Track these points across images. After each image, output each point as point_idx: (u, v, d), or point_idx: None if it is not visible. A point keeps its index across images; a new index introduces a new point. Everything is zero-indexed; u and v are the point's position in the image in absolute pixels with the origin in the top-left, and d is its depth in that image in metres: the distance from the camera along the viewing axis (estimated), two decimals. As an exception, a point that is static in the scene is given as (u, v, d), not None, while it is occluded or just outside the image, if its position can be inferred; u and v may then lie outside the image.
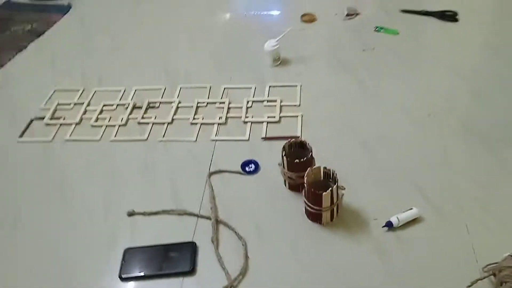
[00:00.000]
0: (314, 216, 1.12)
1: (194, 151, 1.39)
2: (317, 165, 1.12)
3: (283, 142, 1.27)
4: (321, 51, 1.77)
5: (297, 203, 1.18)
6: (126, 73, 1.76)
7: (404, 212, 1.11)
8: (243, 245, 1.09)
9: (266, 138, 1.41)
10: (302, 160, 1.14)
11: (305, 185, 1.07)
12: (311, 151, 1.16)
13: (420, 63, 1.68)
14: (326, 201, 1.06)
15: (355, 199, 1.17)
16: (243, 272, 1.03)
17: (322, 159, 1.18)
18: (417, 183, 1.21)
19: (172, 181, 1.30)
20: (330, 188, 1.05)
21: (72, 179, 1.34)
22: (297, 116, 1.47)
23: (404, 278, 1.00)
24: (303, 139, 1.20)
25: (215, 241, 1.11)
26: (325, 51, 1.77)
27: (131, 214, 1.20)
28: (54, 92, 1.71)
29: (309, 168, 1.10)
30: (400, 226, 1.10)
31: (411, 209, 1.11)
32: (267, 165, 1.31)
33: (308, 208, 1.10)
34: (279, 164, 1.23)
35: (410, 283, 0.99)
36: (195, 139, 1.43)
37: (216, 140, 1.42)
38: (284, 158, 1.16)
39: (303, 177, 1.15)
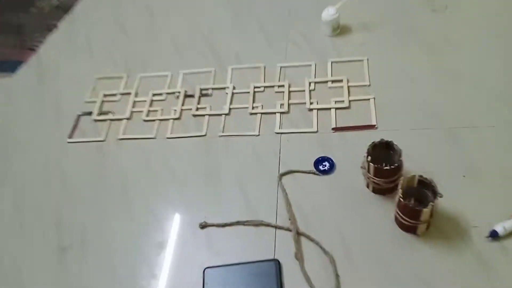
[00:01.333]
0: (408, 228, 1.01)
1: (259, 147, 1.28)
2: (404, 166, 1.00)
3: (357, 133, 1.15)
4: (384, 13, 1.57)
5: (384, 208, 1.08)
6: (170, 55, 1.62)
7: (510, 219, 0.99)
8: (330, 262, 1.01)
9: (336, 129, 1.27)
10: (391, 167, 1.01)
11: (400, 199, 0.96)
12: (400, 155, 1.03)
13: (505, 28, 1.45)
14: (425, 216, 0.95)
15: (450, 203, 1.05)
16: (336, 293, 0.96)
17: (404, 154, 1.05)
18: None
19: (240, 183, 1.21)
20: (431, 203, 0.93)
21: (132, 183, 1.27)
22: (369, 99, 1.32)
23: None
24: (389, 139, 1.06)
25: (300, 258, 1.03)
26: (389, 13, 1.56)
27: (203, 226, 1.13)
28: (96, 80, 1.59)
29: (402, 178, 0.98)
30: (507, 235, 0.98)
31: (518, 215, 0.99)
32: (343, 161, 1.20)
33: (402, 220, 1.00)
34: (362, 168, 1.11)
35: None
36: (257, 133, 1.31)
37: (281, 133, 1.30)
38: (369, 163, 1.03)
39: (391, 182, 1.04)
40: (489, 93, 1.26)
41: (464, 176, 1.11)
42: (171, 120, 1.40)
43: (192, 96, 1.46)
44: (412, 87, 1.32)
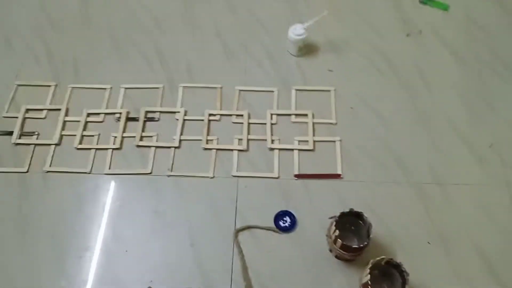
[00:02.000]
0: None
1: (214, 192, 1.15)
2: (368, 222, 0.94)
3: (321, 182, 1.07)
4: (355, 33, 1.43)
5: (348, 277, 1.02)
6: (109, 61, 1.38)
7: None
8: None
9: (299, 176, 1.17)
10: (360, 246, 0.93)
11: (367, 286, 0.89)
12: (369, 230, 0.95)
13: (477, 58, 1.38)
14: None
15: (414, 272, 0.99)
16: None
17: (367, 207, 1.02)
18: (480, 250, 1.05)
19: (192, 238, 1.08)
20: (401, 294, 0.87)
21: (63, 231, 1.09)
22: (335, 141, 1.22)
23: None
24: (359, 210, 0.98)
25: (257, 339, 0.95)
26: (360, 33, 1.43)
27: (149, 293, 1.00)
28: (16, 88, 1.33)
29: (371, 262, 0.91)
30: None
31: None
32: (305, 216, 1.11)
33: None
34: (326, 236, 1.02)
35: None
36: (212, 175, 1.17)
37: (239, 177, 1.17)
38: (337, 239, 0.95)
39: (357, 255, 0.97)
40: (462, 145, 1.21)
41: (429, 243, 1.07)
42: (110, 151, 1.21)
43: (135, 119, 1.26)
44: (382, 129, 1.24)
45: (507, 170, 1.16)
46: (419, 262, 1.03)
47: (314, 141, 1.22)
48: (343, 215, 0.98)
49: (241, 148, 1.20)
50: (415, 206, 1.12)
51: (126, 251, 1.06)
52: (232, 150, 1.21)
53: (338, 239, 0.94)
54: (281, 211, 1.11)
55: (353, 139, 1.22)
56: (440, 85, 1.32)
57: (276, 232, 1.08)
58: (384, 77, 1.34)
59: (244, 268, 1.03)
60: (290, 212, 1.10)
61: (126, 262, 1.05)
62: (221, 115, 1.27)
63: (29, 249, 1.07)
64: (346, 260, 1.03)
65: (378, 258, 0.91)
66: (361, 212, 0.97)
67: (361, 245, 0.93)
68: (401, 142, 1.21)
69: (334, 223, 0.96)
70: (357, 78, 1.33)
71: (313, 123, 1.25)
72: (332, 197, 1.12)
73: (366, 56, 1.38)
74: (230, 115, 1.27)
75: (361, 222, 0.98)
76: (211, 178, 1.17)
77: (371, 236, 0.94)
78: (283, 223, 1.09)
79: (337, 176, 1.16)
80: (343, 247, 0.95)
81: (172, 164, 1.19)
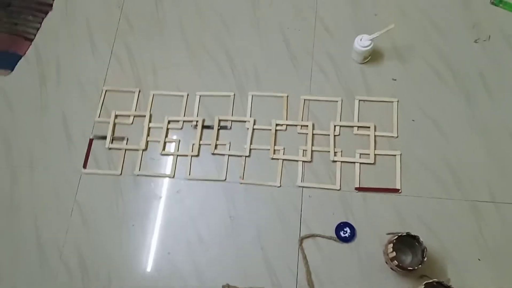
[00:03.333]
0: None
1: (280, 201, 1.30)
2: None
3: (380, 196, 1.19)
4: (420, 38, 1.45)
5: (403, 285, 1.15)
6: (182, 66, 1.50)
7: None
8: None
9: (360, 189, 1.29)
10: (415, 268, 1.06)
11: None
12: (425, 253, 1.07)
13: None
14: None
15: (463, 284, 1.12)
16: None
17: (423, 222, 1.14)
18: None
19: (261, 242, 1.26)
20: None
21: (148, 226, 1.30)
22: (395, 155, 1.31)
23: None
24: (416, 234, 1.09)
25: (318, 335, 1.13)
26: (426, 38, 1.45)
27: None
28: (105, 92, 1.51)
29: (424, 284, 1.04)
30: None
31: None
32: (364, 228, 1.24)
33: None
34: (384, 253, 1.15)
35: None
36: (279, 184, 1.32)
37: (303, 187, 1.31)
38: (393, 259, 1.08)
39: (411, 273, 1.10)
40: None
41: (479, 259, 1.17)
42: (190, 157, 1.38)
43: (210, 127, 1.41)
44: (441, 143, 1.31)
45: None
46: (468, 278, 1.14)
47: (375, 155, 1.31)
48: (400, 237, 1.10)
49: (306, 160, 1.33)
50: (468, 223, 1.21)
51: (206, 251, 1.26)
52: (297, 161, 1.33)
53: (394, 260, 1.07)
54: (342, 222, 1.24)
55: (412, 153, 1.30)
56: (505, 96, 1.34)
57: (337, 241, 1.23)
58: (447, 87, 1.37)
59: (308, 273, 1.20)
60: (350, 224, 1.24)
61: (206, 261, 1.25)
62: (287, 125, 1.39)
63: (124, 239, 1.29)
64: (402, 273, 1.16)
65: (430, 281, 1.04)
66: (417, 236, 1.09)
67: (415, 268, 1.06)
68: (460, 156, 1.28)
69: (391, 244, 1.09)
70: (420, 88, 1.38)
71: (375, 136, 1.34)
72: (390, 211, 1.24)
73: (431, 63, 1.41)
74: (296, 125, 1.38)
75: (416, 243, 1.10)
76: (278, 187, 1.31)
77: (425, 259, 1.06)
78: (344, 233, 1.23)
79: (395, 190, 1.26)
80: (398, 266, 1.08)
81: (243, 172, 1.34)
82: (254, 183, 1.32)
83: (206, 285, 1.22)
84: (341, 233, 1.23)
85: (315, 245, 1.23)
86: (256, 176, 1.33)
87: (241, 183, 1.33)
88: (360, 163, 1.31)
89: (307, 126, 1.37)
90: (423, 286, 1.03)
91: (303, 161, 1.33)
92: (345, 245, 1.22)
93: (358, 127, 1.36)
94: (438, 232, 1.20)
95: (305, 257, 1.21)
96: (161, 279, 1.24)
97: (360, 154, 1.32)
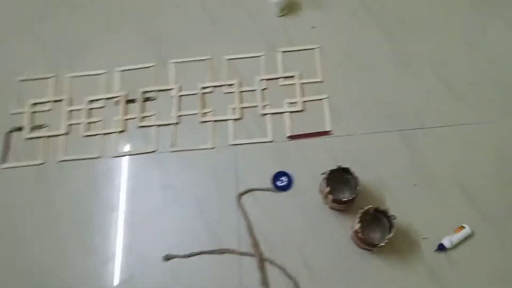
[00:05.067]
0: (365, 249, 1.13)
1: (214, 162, 1.30)
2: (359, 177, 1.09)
3: (312, 141, 1.21)
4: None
5: (341, 225, 1.18)
6: (100, 42, 1.48)
7: (456, 233, 1.13)
8: (296, 286, 1.13)
9: (292, 137, 1.31)
10: (349, 199, 1.09)
11: (358, 233, 1.06)
12: (357, 183, 1.10)
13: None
14: (381, 245, 1.07)
15: (401, 214, 1.15)
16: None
17: (356, 158, 1.17)
18: (467, 189, 1.19)
19: (199, 206, 1.25)
20: (388, 237, 1.04)
21: (81, 214, 1.27)
22: (322, 99, 1.34)
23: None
24: (347, 166, 1.12)
25: (266, 286, 1.14)
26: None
27: (168, 258, 1.19)
28: (19, 83, 1.47)
29: (360, 211, 1.07)
30: (453, 246, 1.13)
31: (463, 227, 1.13)
32: (300, 174, 1.26)
33: (360, 244, 1.11)
34: (320, 191, 1.18)
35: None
36: (211, 146, 1.32)
37: (236, 145, 1.32)
38: (328, 194, 1.10)
39: (348, 206, 1.13)
40: (442, 86, 1.32)
41: (415, 185, 1.22)
42: (115, 134, 1.36)
43: (133, 101, 1.40)
44: (367, 82, 1.35)
45: (489, 106, 1.27)
46: (406, 204, 1.18)
47: (303, 102, 1.34)
48: (332, 172, 1.12)
49: (235, 117, 1.34)
50: (401, 152, 1.25)
51: (144, 225, 1.24)
52: (227, 120, 1.34)
53: (329, 194, 1.10)
54: (278, 172, 1.26)
55: (339, 95, 1.34)
56: (422, 29, 1.40)
57: (275, 191, 1.24)
58: (367, 27, 1.42)
59: (249, 227, 1.20)
60: (286, 172, 1.26)
61: (144, 235, 1.23)
62: (214, 86, 1.39)
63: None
64: (339, 210, 1.19)
65: (366, 208, 1.07)
66: (348, 168, 1.11)
67: (350, 198, 1.09)
68: (386, 91, 1.33)
69: (325, 180, 1.11)
70: (340, 32, 1.42)
71: (301, 84, 1.36)
72: (324, 153, 1.26)
73: (348, 7, 1.45)
74: (222, 85, 1.39)
75: (349, 176, 1.13)
76: (211, 149, 1.32)
77: (358, 188, 1.09)
78: (281, 182, 1.25)
79: (327, 133, 1.29)
80: (334, 201, 1.11)
81: (174, 140, 1.34)
82: (187, 149, 1.32)
83: (147, 259, 1.20)
84: (278, 183, 1.25)
85: (254, 199, 1.24)
86: (188, 142, 1.33)
87: (173, 151, 1.32)
88: (290, 112, 1.33)
89: (233, 84, 1.38)
90: (360, 214, 1.06)
91: (233, 119, 1.34)
92: (283, 194, 1.24)
93: (284, 77, 1.38)
94: (373, 165, 1.23)
95: (245, 213, 1.22)
96: (99, 262, 1.21)
97: (289, 103, 1.34)
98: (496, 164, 1.21)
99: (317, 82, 1.36)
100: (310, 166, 1.25)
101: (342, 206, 1.13)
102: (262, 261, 1.16)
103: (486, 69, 1.32)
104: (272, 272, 1.15)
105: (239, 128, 1.33)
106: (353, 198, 1.09)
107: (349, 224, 1.16)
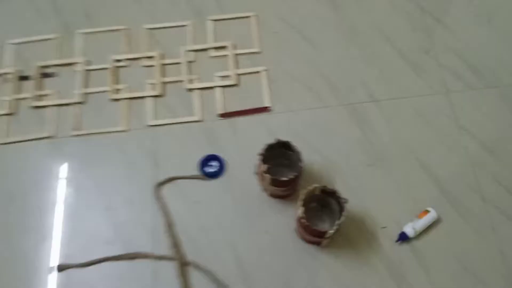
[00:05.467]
0: (311, 242, 0.92)
1: (129, 147, 1.06)
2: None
3: (249, 119, 1.00)
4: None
5: (284, 216, 0.97)
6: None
7: (419, 218, 0.94)
8: (226, 295, 0.90)
9: (224, 115, 1.09)
10: (290, 178, 0.88)
11: (301, 219, 0.84)
12: (300, 158, 0.90)
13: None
14: (329, 235, 0.86)
15: (355, 200, 0.97)
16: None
17: (300, 137, 0.96)
18: (428, 168, 1.02)
19: (105, 202, 1.00)
20: (337, 223, 0.83)
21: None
22: (260, 71, 1.15)
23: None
24: (287, 140, 0.92)
25: (189, 296, 0.90)
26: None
27: (62, 268, 0.93)
28: None
29: (303, 193, 0.86)
30: (417, 235, 0.94)
31: (428, 211, 0.95)
32: (235, 158, 1.04)
33: (305, 236, 0.90)
34: (256, 173, 0.96)
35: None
36: (125, 128, 1.08)
37: (157, 125, 1.09)
38: (265, 174, 0.89)
39: (290, 189, 0.92)
40: (396, 56, 1.16)
41: (369, 165, 1.03)
42: (5, 117, 1.10)
43: (27, 78, 1.14)
44: (310, 53, 1.17)
45: (444, 75, 1.12)
46: (360, 188, 0.99)
47: (238, 75, 1.14)
48: (270, 147, 0.91)
49: (156, 94, 1.11)
50: (350, 128, 1.07)
51: (32, 228, 0.97)
52: (144, 97, 1.11)
53: (266, 174, 0.88)
54: (207, 156, 1.04)
55: (280, 67, 1.15)
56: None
57: (204, 179, 1.02)
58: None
59: (169, 225, 0.96)
60: (216, 156, 1.04)
61: (33, 241, 0.96)
62: (129, 59, 1.17)
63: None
64: (281, 197, 0.98)
65: (310, 188, 0.86)
66: (288, 141, 0.91)
67: (292, 177, 0.88)
68: (331, 63, 1.16)
69: (262, 158, 0.90)
70: (279, -1, 1.24)
71: (235, 55, 1.16)
72: (262, 132, 1.06)
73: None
74: (139, 58, 1.17)
75: (290, 152, 0.93)
76: (124, 132, 1.08)
77: (301, 165, 0.89)
78: (210, 168, 1.03)
79: (265, 109, 1.09)
80: (273, 182, 0.90)
81: (78, 122, 1.09)
82: (93, 133, 1.07)
83: (36, 270, 0.93)
84: (207, 168, 1.02)
85: (177, 190, 1.01)
86: (95, 124, 1.09)
87: (76, 136, 1.07)
88: (222, 86, 1.12)
89: (154, 57, 1.16)
90: (304, 196, 0.85)
91: (152, 96, 1.11)
92: (213, 182, 1.02)
93: (215, 48, 1.18)
94: (319, 145, 1.04)
95: (164, 208, 0.98)
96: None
97: (220, 77, 1.14)
98: (457, 139, 1.04)
99: (253, 53, 1.17)
100: (246, 148, 1.04)
101: (283, 191, 0.92)
102: (183, 265, 0.92)
103: (440, 37, 1.17)
104: (197, 279, 0.92)
105: (160, 107, 1.11)
106: (296, 178, 0.89)
107: (292, 215, 0.95)
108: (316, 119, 1.07)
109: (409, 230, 0.93)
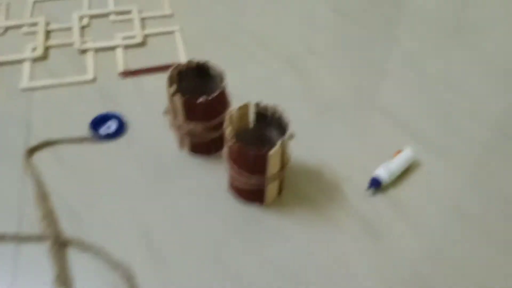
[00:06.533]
0: (252, 194, 0.66)
1: (-10, 114, 0.78)
2: (233, 101, 0.66)
3: (158, 77, 0.79)
4: None
5: (211, 174, 0.71)
6: None
7: (393, 159, 0.72)
8: (127, 279, 0.58)
9: (126, 73, 0.87)
10: (210, 98, 0.64)
11: (233, 141, 0.59)
12: (222, 79, 0.68)
13: None
14: (274, 165, 0.61)
15: (304, 147, 0.74)
16: None
17: (234, 97, 0.72)
18: (390, 111, 0.84)
19: None
20: (281, 140, 0.59)
21: None
22: (173, 31, 0.96)
23: (416, 266, 0.62)
24: (203, 60, 0.70)
25: (65, 283, 0.57)
26: None
27: None
28: None
29: (232, 110, 0.63)
30: (393, 181, 0.71)
31: (401, 150, 0.74)
32: (139, 119, 0.79)
33: (240, 182, 0.63)
34: (165, 113, 0.72)
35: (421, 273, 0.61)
36: (-13, 92, 0.81)
37: (31, 89, 0.83)
38: (176, 98, 0.65)
39: (214, 129, 0.67)
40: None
41: (320, 114, 0.82)
42: None
43: None
44: (230, 8, 1.02)
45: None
46: (313, 138, 0.78)
47: (145, 35, 0.94)
48: (182, 74, 0.69)
49: (36, 56, 0.87)
50: (292, 81, 0.88)
51: None
52: (20, 61, 0.87)
53: (175, 96, 0.64)
54: (100, 116, 0.78)
55: (197, 27, 0.97)
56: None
57: (96, 141, 0.75)
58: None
59: (42, 197, 0.66)
60: (113, 114, 0.79)
61: None
62: (7, 27, 0.94)
63: None
64: (206, 153, 0.73)
65: (241, 106, 0.63)
66: (205, 62, 0.69)
67: (208, 98, 0.64)
68: (258, 16, 1.01)
69: (169, 83, 0.67)
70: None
71: (141, 18, 0.98)
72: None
73: None
74: (20, 26, 0.95)
75: (208, 80, 0.70)
76: (-13, 97, 0.81)
77: (223, 84, 0.66)
78: (106, 129, 0.76)
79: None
80: (187, 110, 0.65)
81: None
82: None
83: None
84: (102, 130, 0.76)
85: (59, 157, 0.73)
86: None
87: None
88: (124, 46, 0.92)
89: (37, 23, 0.95)
90: (239, 110, 0.62)
91: (31, 60, 0.87)
92: (110, 144, 0.75)
93: (116, 13, 0.99)
94: (248, 97, 0.82)
95: (36, 177, 0.69)
96: None
97: (123, 37, 0.93)
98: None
99: (164, 16, 1.00)
100: (154, 108, 0.80)
101: (205, 129, 0.67)
102: (60, 244, 0.60)
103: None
104: (83, 263, 0.60)
105: (41, 70, 0.86)
106: (219, 98, 0.65)
107: (222, 172, 0.69)
108: (249, 75, 0.88)
109: (381, 173, 0.70)
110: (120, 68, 0.87)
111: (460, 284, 0.60)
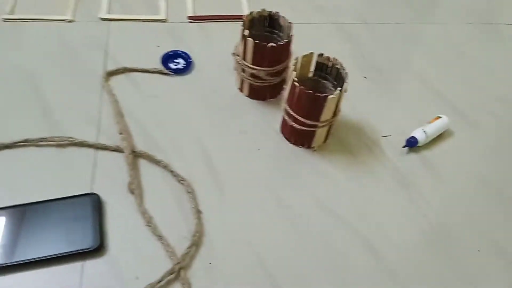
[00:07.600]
0: (302, 137, 0.75)
1: (72, 38, 0.89)
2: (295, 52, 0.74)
3: (223, 25, 0.87)
4: None
5: (265, 117, 0.81)
6: None
7: (430, 122, 0.81)
8: (189, 192, 0.69)
9: (194, 18, 0.95)
10: (278, 44, 0.73)
11: (295, 82, 0.68)
12: (290, 30, 0.76)
13: None
14: (328, 111, 0.70)
15: (349, 105, 0.83)
16: (196, 241, 0.64)
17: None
18: (433, 85, 0.91)
19: (36, 85, 0.79)
20: (339, 89, 0.68)
21: None
22: (240, -17, 1.04)
23: (442, 219, 0.71)
24: (274, 11, 0.79)
25: (137, 190, 0.68)
26: None
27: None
28: None
29: (298, 57, 0.71)
30: (427, 144, 0.80)
31: (439, 117, 0.82)
32: (204, 60, 0.89)
33: (295, 123, 0.73)
34: (234, 54, 0.81)
35: (450, 226, 0.71)
36: (70, 18, 0.91)
37: (110, 20, 0.92)
38: (246, 41, 0.74)
39: (275, 74, 0.76)
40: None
41: (365, 77, 0.91)
42: None
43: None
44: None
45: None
46: (357, 96, 0.85)
47: (213, -16, 1.02)
48: (254, 21, 0.77)
49: (114, -10, 0.96)
50: (341, 44, 0.96)
51: None
52: (100, -8, 0.96)
53: (248, 39, 0.73)
54: (171, 51, 0.88)
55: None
56: None
57: (166, 74, 0.84)
58: None
59: (119, 114, 0.77)
60: (183, 53, 0.88)
61: None
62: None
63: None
64: (262, 98, 0.82)
65: (306, 54, 0.72)
66: (276, 13, 0.78)
67: (280, 43, 0.73)
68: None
69: (242, 28, 0.75)
70: None
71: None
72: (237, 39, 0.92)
73: None
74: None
75: (276, 33, 0.79)
76: (69, 21, 0.90)
77: (292, 34, 0.75)
78: (175, 65, 0.86)
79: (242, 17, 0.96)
80: (255, 55, 0.74)
81: (14, 5, 0.90)
82: (30, 19, 0.89)
83: None
84: (171, 65, 0.86)
85: (132, 84, 0.83)
86: (33, 9, 0.91)
87: (6, 20, 0.88)
88: (194, -9, 0.99)
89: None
90: (303, 57, 0.70)
91: (109, -6, 0.96)
92: (178, 78, 0.84)
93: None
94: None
95: (113, 96, 0.79)
96: None
97: (192, -16, 1.01)
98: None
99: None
100: (219, 53, 0.89)
101: (268, 74, 0.76)
102: (134, 156, 0.71)
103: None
104: (151, 174, 0.70)
105: (117, 4, 0.95)
106: (285, 46, 0.74)
107: (276, 116, 0.79)
108: (310, 31, 0.96)
109: (419, 134, 0.78)
110: (189, 12, 0.95)
111: (476, 239, 0.69)
